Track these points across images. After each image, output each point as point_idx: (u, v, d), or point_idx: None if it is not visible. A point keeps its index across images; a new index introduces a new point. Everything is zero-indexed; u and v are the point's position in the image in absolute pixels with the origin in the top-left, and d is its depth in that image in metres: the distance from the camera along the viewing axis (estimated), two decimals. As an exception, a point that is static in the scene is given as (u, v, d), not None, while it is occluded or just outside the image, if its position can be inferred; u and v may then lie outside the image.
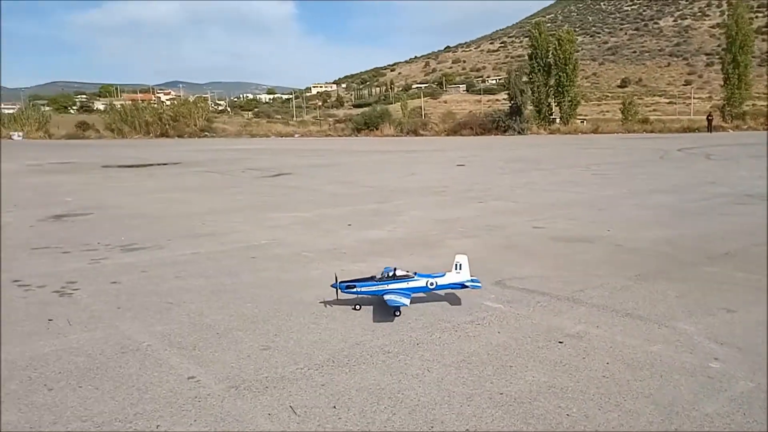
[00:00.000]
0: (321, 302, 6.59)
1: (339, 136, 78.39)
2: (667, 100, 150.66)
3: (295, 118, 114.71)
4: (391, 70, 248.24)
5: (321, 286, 7.24)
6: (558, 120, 79.04)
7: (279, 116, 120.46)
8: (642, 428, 3.93)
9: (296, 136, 79.11)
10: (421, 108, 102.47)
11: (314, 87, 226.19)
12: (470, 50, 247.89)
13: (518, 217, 12.44)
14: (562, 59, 74.91)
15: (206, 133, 75.73)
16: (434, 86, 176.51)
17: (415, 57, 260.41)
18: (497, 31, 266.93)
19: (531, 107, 76.34)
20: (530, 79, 76.44)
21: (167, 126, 75.41)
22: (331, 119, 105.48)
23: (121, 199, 16.00)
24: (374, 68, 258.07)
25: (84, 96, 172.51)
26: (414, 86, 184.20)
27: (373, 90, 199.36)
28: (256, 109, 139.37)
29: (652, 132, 67.91)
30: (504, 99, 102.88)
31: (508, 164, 27.09)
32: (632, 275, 7.71)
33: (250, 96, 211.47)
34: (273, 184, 19.82)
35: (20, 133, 74.60)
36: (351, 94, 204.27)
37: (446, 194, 16.45)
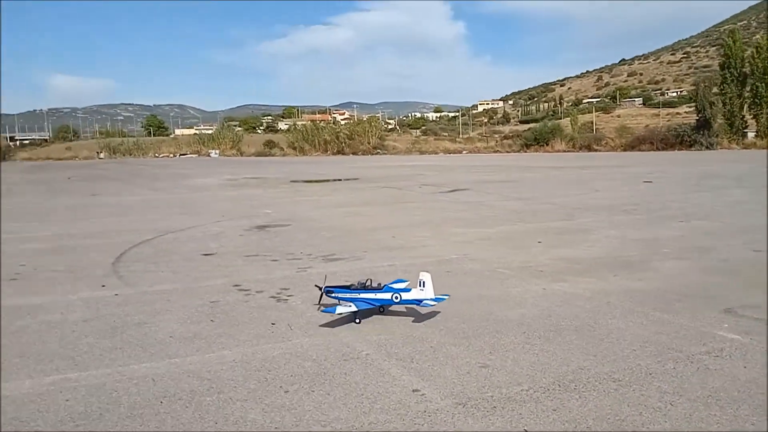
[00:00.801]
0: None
1: (507, 152, 77.40)
2: None
3: (461, 135, 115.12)
4: (561, 85, 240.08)
5: (525, 305, 7.02)
6: (753, 134, 71.29)
7: (446, 134, 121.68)
8: None
9: (464, 152, 79.40)
10: (592, 123, 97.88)
11: (480, 104, 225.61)
12: (648, 62, 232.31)
13: (731, 238, 11.22)
14: (760, 68, 67.63)
15: (378, 151, 78.75)
16: (607, 100, 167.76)
17: (587, 71, 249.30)
18: (680, 41, 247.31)
19: (721, 120, 69.61)
20: (721, 90, 69.83)
21: (343, 144, 79.60)
22: (497, 135, 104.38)
23: (313, 212, 16.95)
24: (543, 84, 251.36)
25: (270, 117, 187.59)
26: (585, 101, 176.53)
27: (541, 105, 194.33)
28: (423, 127, 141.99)
29: None
30: (685, 112, 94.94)
31: (703, 181, 24.78)
32: None
33: (418, 114, 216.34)
34: (450, 200, 19.88)
35: (216, 151, 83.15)
36: (517, 111, 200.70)
37: (638, 212, 15.35)
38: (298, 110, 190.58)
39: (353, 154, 77.29)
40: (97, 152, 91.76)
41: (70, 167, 59.55)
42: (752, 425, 4.00)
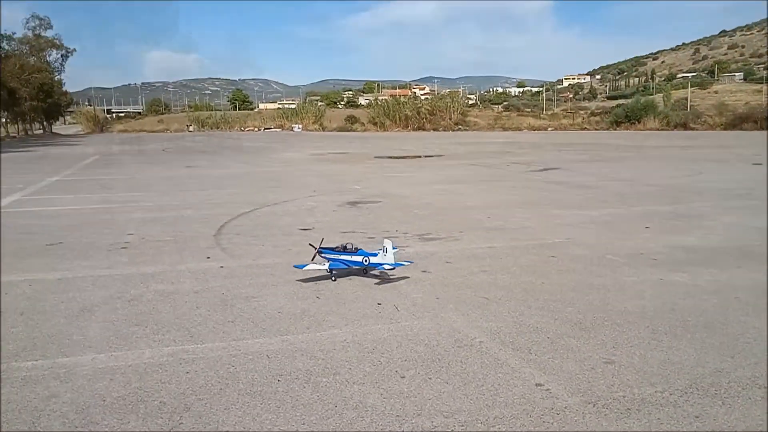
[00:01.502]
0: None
1: (595, 129, 74.43)
2: None
3: (545, 111, 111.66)
4: (653, 59, 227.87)
5: (644, 296, 6.60)
6: None
7: (529, 109, 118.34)
8: None
9: (549, 129, 77.02)
10: (686, 99, 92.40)
11: (565, 79, 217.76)
12: (752, 33, 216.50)
13: None
14: None
15: (460, 127, 77.55)
16: (703, 75, 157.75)
17: (683, 44, 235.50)
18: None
19: (838, 97, 63.96)
20: (838, 63, 63.97)
21: (424, 119, 78.85)
22: (582, 112, 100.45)
23: (402, 188, 16.79)
24: (633, 57, 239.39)
25: (350, 92, 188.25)
26: (679, 76, 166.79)
27: (631, 80, 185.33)
28: (505, 102, 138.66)
29: None
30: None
31: (822, 165, 22.81)
32: None
33: (500, 89, 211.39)
34: (543, 179, 19.22)
35: (300, 125, 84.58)
36: (605, 86, 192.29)
37: (753, 198, 14.28)
38: (378, 85, 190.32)
39: (434, 130, 76.46)
40: (187, 125, 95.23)
41: (163, 139, 62.15)
42: None
